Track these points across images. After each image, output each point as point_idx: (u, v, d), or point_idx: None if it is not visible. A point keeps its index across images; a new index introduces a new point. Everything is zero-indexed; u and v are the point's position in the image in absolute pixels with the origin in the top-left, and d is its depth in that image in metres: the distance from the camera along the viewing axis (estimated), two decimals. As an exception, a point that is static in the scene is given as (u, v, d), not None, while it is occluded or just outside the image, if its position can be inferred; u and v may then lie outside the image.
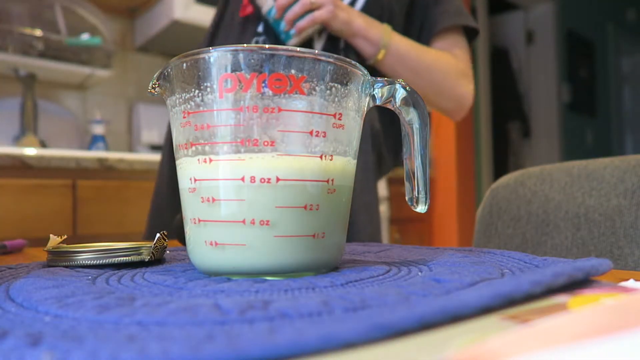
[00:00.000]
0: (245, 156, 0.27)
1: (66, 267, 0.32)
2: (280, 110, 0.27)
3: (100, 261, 0.32)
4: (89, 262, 0.32)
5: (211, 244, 0.27)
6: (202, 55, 0.27)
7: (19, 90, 1.53)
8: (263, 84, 0.27)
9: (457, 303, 0.18)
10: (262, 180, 0.26)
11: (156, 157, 1.38)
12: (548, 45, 3.29)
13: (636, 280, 0.25)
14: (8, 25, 1.48)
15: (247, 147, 0.27)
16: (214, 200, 0.27)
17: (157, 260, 0.36)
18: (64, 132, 1.66)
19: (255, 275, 0.27)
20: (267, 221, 0.27)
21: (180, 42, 1.77)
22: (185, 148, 0.29)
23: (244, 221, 0.27)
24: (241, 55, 0.27)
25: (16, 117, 1.53)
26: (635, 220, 0.55)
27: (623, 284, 0.24)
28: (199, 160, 0.28)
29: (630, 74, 4.22)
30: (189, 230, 0.30)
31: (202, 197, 0.28)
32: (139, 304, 0.20)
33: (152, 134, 1.78)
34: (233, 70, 0.27)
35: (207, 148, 0.27)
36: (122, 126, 1.82)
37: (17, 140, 1.52)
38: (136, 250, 0.33)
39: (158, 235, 0.35)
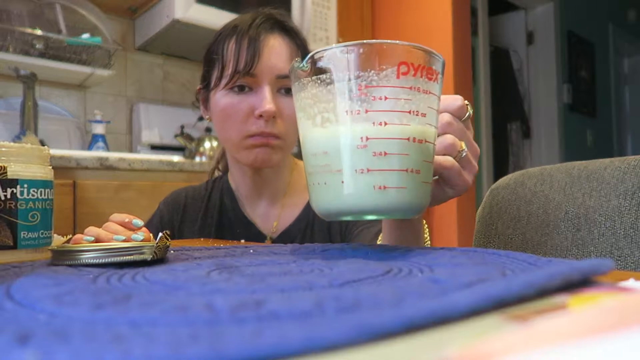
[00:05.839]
0: (410, 122, 0.35)
1: (70, 266, 0.32)
2: (428, 92, 0.36)
3: (103, 260, 0.33)
4: (92, 261, 0.32)
5: (380, 187, 0.35)
6: (384, 47, 0.35)
7: (19, 90, 1.53)
8: (423, 73, 0.35)
9: (446, 305, 0.18)
10: (420, 141, 0.36)
11: (156, 157, 1.38)
12: (548, 46, 3.28)
13: (636, 280, 0.25)
14: (8, 25, 1.48)
15: (410, 116, 0.35)
16: (385, 154, 0.34)
17: (159, 259, 0.36)
18: (64, 132, 1.66)
19: (401, 213, 0.37)
20: (418, 170, 0.36)
21: (181, 42, 1.76)
22: (358, 113, 0.35)
23: (407, 170, 0.35)
24: (413, 50, 0.35)
25: (16, 117, 1.53)
26: (635, 220, 0.55)
27: (623, 284, 0.24)
28: (374, 123, 0.34)
29: (631, 74, 4.22)
30: (350, 179, 0.35)
31: (374, 152, 0.35)
32: (134, 302, 0.20)
33: (152, 134, 1.78)
34: (407, 60, 0.35)
35: (380, 114, 0.34)
36: (122, 126, 1.82)
37: (17, 140, 1.52)
38: (139, 250, 0.34)
39: (160, 234, 0.35)
